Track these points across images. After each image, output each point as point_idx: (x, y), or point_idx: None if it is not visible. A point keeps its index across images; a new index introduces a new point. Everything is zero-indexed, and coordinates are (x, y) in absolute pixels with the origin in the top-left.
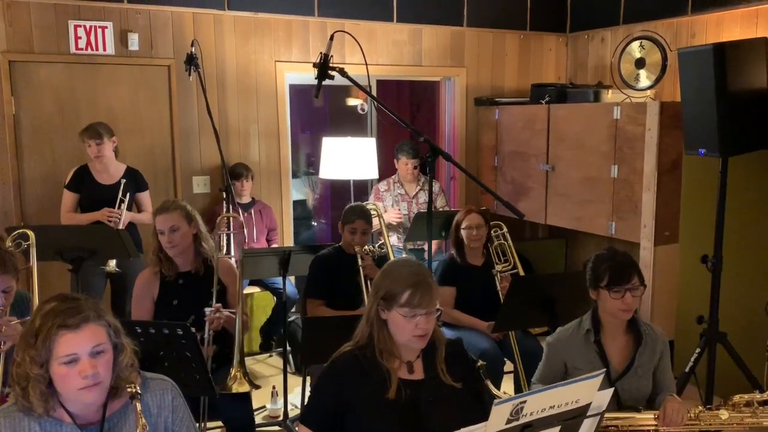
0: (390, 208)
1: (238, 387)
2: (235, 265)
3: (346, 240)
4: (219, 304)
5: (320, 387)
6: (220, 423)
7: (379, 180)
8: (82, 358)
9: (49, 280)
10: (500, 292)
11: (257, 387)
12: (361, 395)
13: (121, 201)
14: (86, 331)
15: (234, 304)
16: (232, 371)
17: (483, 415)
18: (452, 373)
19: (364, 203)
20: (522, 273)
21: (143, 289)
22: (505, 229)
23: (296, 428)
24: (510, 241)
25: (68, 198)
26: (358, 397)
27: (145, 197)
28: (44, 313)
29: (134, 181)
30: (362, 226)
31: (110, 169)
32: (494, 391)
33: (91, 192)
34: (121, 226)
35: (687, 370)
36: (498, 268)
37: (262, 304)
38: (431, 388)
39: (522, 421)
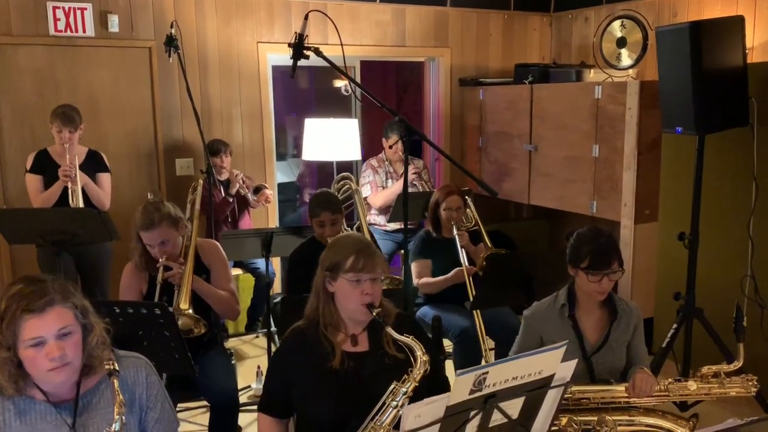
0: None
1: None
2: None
3: (317, 233)
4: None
5: (270, 370)
6: (204, 402)
7: (363, 161)
8: (48, 341)
9: (23, 265)
10: (459, 247)
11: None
12: (304, 367)
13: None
14: (51, 314)
15: (221, 286)
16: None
17: (431, 383)
18: (399, 344)
19: (343, 183)
20: (484, 232)
21: (131, 279)
22: (469, 199)
23: None
24: (473, 208)
25: (34, 181)
26: (301, 369)
27: (104, 178)
28: (9, 296)
29: (95, 162)
30: (329, 217)
31: (72, 153)
32: (396, 336)
33: (52, 176)
34: (78, 182)
35: (664, 345)
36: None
37: (248, 285)
38: (374, 359)
39: (485, 391)
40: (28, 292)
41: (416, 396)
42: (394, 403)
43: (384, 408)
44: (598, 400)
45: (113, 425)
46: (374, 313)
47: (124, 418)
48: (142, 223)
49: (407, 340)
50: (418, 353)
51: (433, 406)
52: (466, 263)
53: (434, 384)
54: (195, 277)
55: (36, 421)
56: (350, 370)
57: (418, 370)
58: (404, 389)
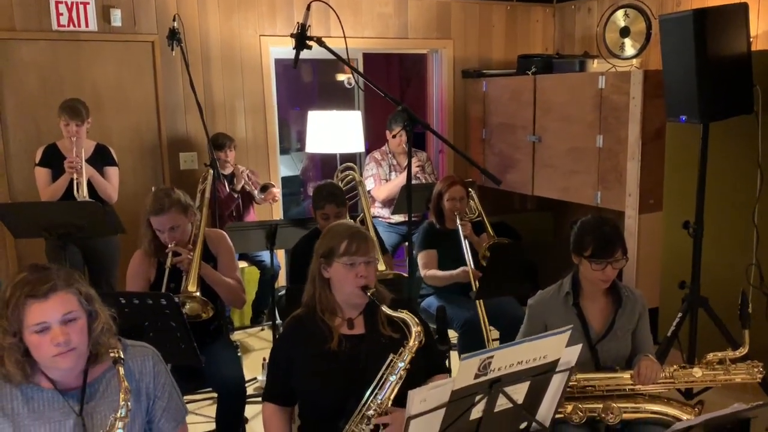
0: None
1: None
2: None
3: (321, 225)
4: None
5: (272, 359)
6: (211, 393)
7: (367, 153)
8: (53, 326)
9: (29, 258)
10: (462, 237)
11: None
12: (303, 352)
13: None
14: (55, 299)
15: (228, 275)
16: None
17: (427, 360)
18: (394, 325)
19: (346, 174)
20: (487, 223)
21: (138, 268)
22: (472, 192)
23: None
24: (476, 199)
25: (43, 174)
26: (300, 354)
27: (112, 172)
28: (14, 284)
29: (102, 156)
30: (333, 210)
31: (79, 146)
32: (390, 312)
33: (60, 169)
34: (84, 174)
35: (669, 334)
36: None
37: (254, 278)
38: (371, 341)
39: (490, 376)
40: (32, 279)
41: (418, 385)
42: (393, 377)
43: (383, 382)
44: (603, 388)
45: (119, 411)
46: (369, 294)
47: (129, 404)
48: (153, 207)
49: (401, 314)
50: (413, 327)
51: (439, 391)
52: (470, 254)
53: (436, 373)
54: (203, 264)
55: (44, 408)
56: (347, 352)
57: (414, 342)
58: (401, 363)
